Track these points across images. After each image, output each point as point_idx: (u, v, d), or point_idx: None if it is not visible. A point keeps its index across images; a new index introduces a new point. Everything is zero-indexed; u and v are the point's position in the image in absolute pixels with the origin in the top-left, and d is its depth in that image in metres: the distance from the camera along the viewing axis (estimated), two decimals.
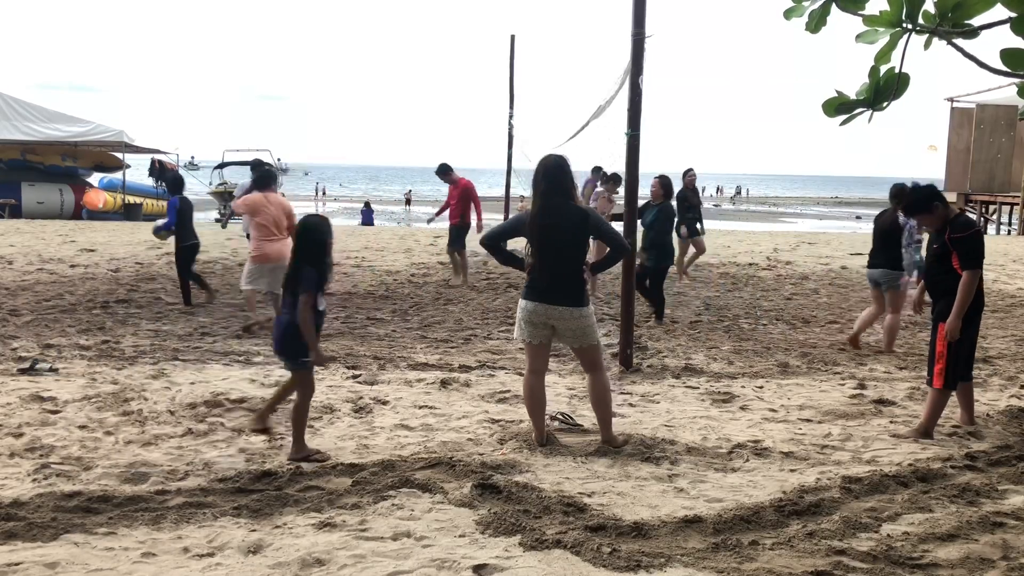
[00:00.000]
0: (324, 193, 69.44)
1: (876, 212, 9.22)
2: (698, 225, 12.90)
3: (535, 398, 5.22)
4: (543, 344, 5.20)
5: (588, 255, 5.31)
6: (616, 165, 8.18)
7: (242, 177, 39.85)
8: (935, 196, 5.50)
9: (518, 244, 5.29)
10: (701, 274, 14.15)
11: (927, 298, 5.81)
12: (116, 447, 5.02)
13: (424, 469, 4.67)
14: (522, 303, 5.17)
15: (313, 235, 4.90)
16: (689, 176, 12.96)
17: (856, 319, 8.75)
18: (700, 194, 14.14)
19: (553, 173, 5.10)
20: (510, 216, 5.62)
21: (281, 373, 6.85)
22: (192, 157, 51.48)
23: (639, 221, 8.96)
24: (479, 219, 12.19)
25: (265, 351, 7.73)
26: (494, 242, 5.33)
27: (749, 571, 3.55)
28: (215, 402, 5.93)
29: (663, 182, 9.88)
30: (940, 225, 5.45)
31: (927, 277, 5.68)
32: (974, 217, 32.70)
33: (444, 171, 12.37)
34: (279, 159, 42.37)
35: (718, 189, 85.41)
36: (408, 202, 59.79)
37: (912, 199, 5.64)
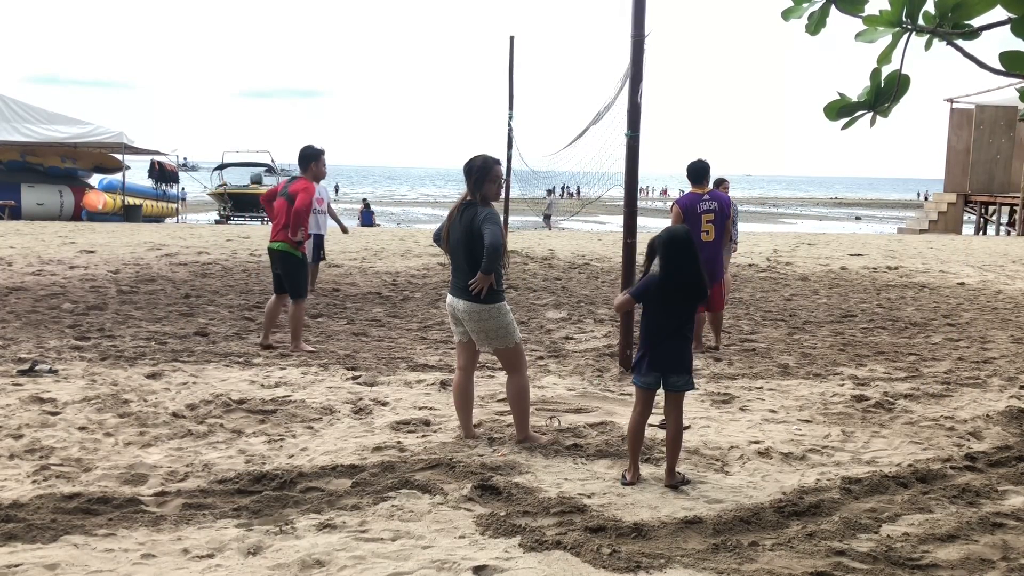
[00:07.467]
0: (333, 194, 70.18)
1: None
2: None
3: (461, 395, 5.32)
4: (462, 342, 5.30)
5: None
6: (613, 167, 8.14)
7: (242, 178, 39.75)
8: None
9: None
10: None
11: None
12: (116, 448, 5.01)
13: (424, 470, 4.67)
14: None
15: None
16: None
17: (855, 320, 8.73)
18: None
19: (465, 171, 5.18)
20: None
21: (281, 374, 6.85)
22: (185, 158, 51.21)
23: None
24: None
25: (264, 352, 7.72)
26: (436, 239, 5.46)
27: (749, 572, 3.54)
28: (215, 403, 5.93)
29: None
30: None
31: None
32: (973, 217, 32.79)
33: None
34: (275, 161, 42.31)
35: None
36: None
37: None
